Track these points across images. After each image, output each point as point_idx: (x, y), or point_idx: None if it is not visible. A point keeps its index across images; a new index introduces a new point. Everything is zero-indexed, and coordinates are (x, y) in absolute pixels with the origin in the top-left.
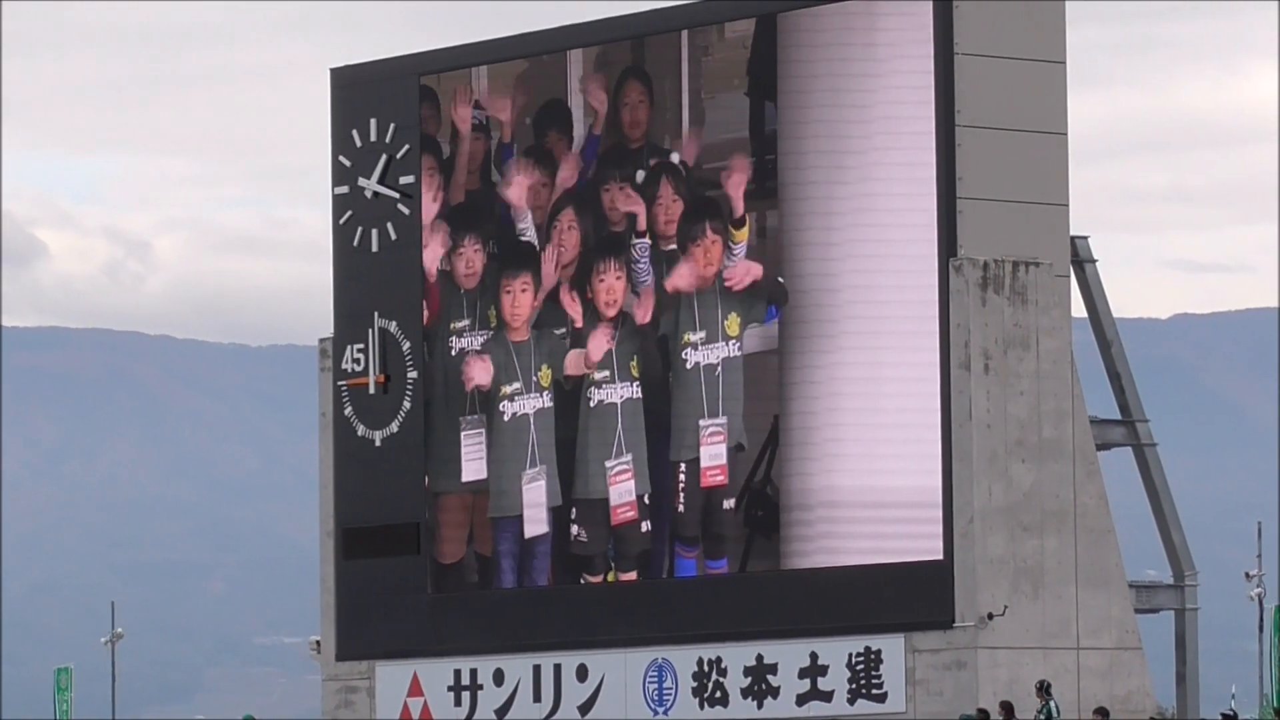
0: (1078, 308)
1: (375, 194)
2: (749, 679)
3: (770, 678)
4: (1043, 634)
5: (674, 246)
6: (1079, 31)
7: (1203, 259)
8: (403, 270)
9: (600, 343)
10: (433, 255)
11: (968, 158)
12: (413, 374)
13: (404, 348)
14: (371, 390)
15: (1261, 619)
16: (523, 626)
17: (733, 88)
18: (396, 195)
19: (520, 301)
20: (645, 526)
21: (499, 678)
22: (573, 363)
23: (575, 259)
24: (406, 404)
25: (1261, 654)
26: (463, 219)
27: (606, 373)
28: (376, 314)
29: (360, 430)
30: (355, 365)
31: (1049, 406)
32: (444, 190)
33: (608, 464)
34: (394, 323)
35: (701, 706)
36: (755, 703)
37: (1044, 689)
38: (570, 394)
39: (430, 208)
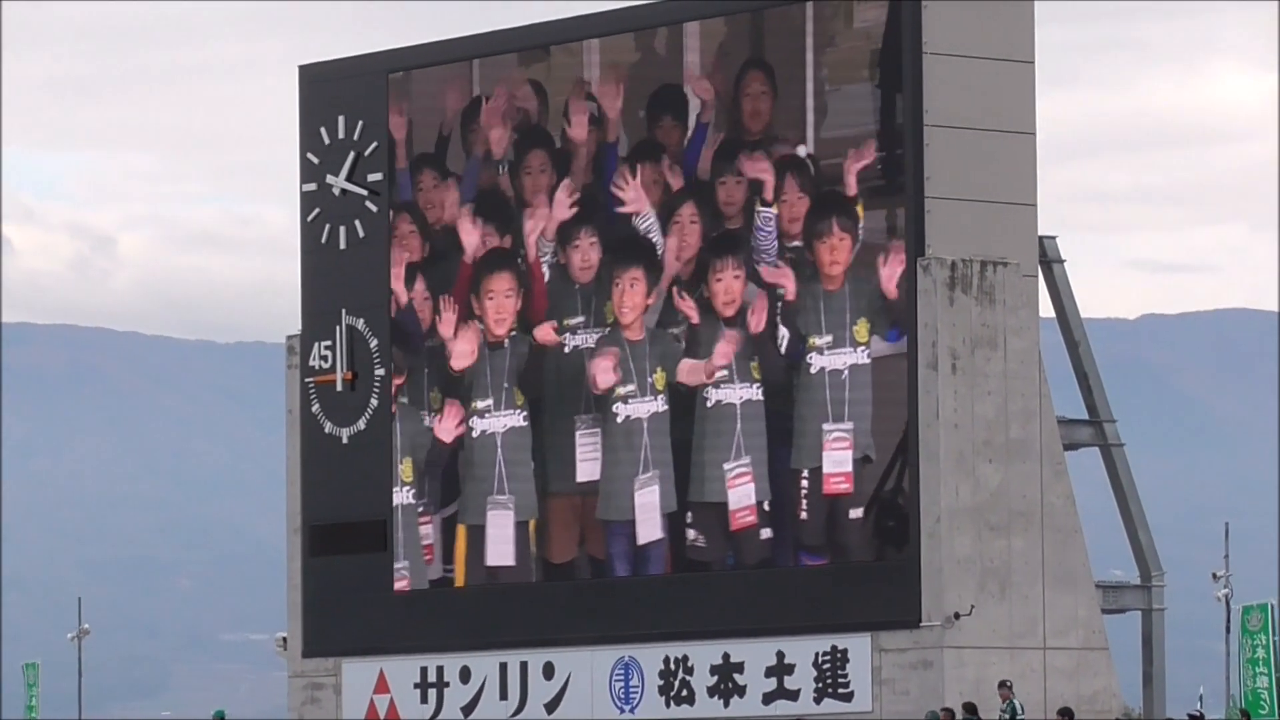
0: (1045, 308)
1: (343, 191)
2: (715, 678)
3: (737, 676)
4: (1009, 634)
5: (799, 243)
6: (1043, 31)
7: (1167, 259)
8: (371, 267)
9: (725, 348)
10: (540, 248)
11: (935, 157)
12: (380, 371)
13: (371, 345)
14: (339, 387)
15: (1228, 619)
16: (489, 624)
17: (861, 79)
18: (364, 192)
19: (631, 297)
20: (765, 534)
21: (465, 675)
22: (688, 372)
23: (695, 256)
24: (374, 401)
25: (1228, 654)
26: (579, 212)
27: (725, 372)
28: (344, 311)
29: (328, 427)
30: (323, 362)
31: (1016, 406)
32: (559, 184)
33: (726, 466)
34: (361, 320)
35: (668, 705)
36: (722, 701)
37: (1006, 687)
38: (686, 395)
39: (543, 200)
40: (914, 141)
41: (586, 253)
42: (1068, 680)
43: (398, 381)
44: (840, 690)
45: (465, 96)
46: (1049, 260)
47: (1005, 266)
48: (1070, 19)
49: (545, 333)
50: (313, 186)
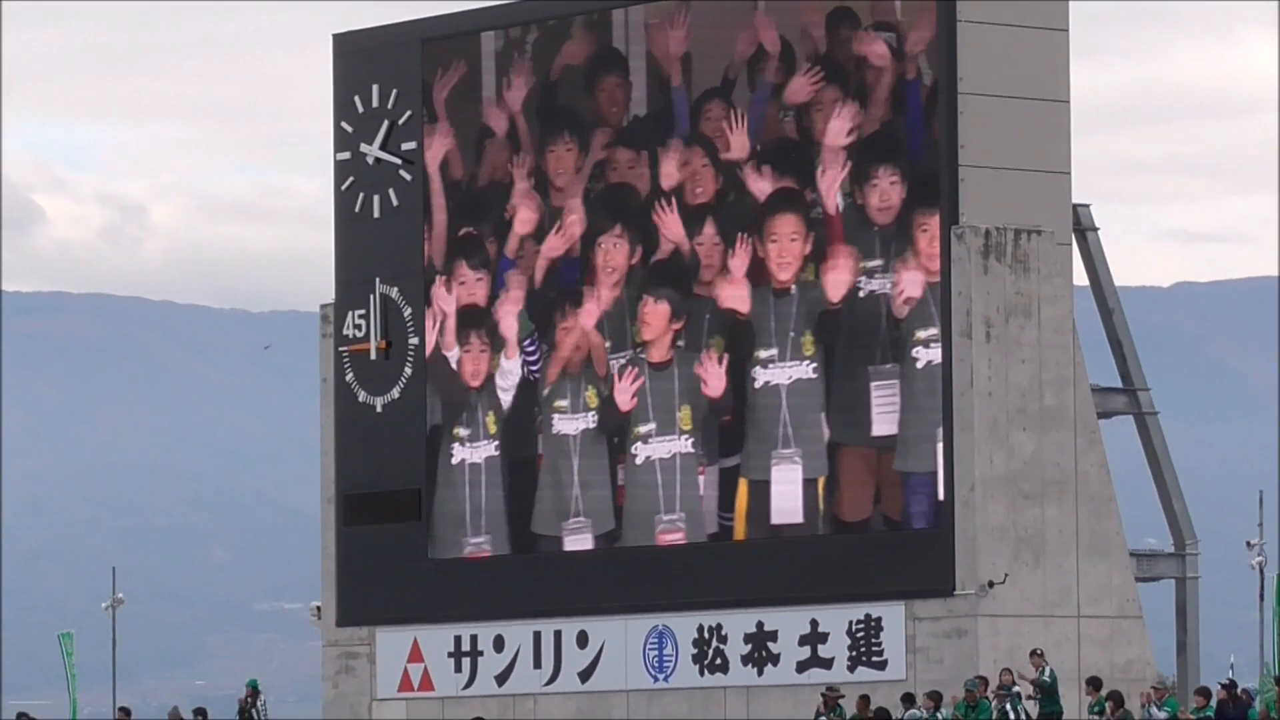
0: (1079, 276)
1: (377, 160)
2: (749, 646)
3: (770, 645)
4: (1043, 602)
5: None
6: (1076, 1)
7: (1199, 229)
8: (404, 236)
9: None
10: (836, 188)
11: (969, 125)
12: (414, 340)
13: (405, 314)
14: (373, 356)
15: (1262, 588)
16: (523, 593)
17: None
18: (398, 161)
19: (932, 236)
20: None
21: (499, 644)
22: None
23: None
24: (408, 370)
25: (1262, 623)
26: (875, 149)
27: None
28: (378, 280)
29: (361, 396)
30: (357, 331)
31: (1050, 375)
32: (855, 119)
33: None
34: (395, 289)
35: (702, 673)
36: (755, 670)
37: (1037, 655)
38: None
39: (836, 138)
40: (948, 109)
41: (886, 192)
42: (1101, 649)
43: (675, 327)
44: (874, 659)
45: (752, 37)
46: (1083, 229)
47: (1039, 235)
48: None
49: (838, 277)
50: (346, 155)
